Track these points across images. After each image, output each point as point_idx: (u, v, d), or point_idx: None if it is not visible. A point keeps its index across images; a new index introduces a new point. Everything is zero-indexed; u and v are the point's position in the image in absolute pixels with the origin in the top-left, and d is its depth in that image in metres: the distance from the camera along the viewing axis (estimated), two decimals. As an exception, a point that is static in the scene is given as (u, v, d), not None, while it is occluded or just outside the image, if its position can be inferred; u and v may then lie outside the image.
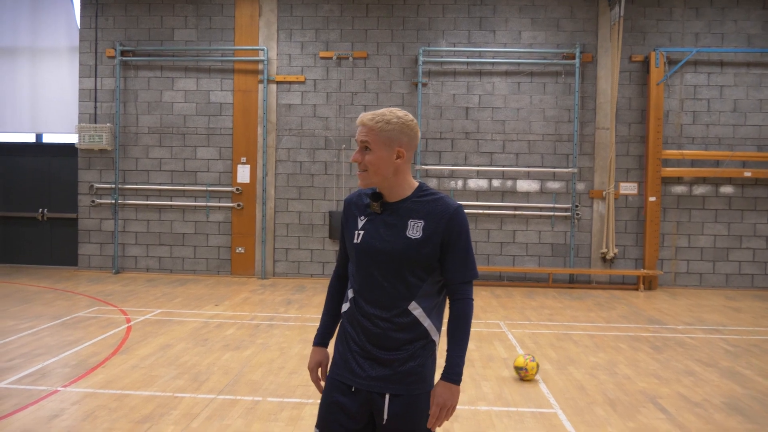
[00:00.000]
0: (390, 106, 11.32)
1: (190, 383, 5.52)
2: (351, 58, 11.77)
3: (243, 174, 11.88)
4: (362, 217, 2.47)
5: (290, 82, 11.89)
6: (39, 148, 12.67)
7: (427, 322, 2.39)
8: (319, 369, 2.65)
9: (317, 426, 2.51)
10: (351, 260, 2.51)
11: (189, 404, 5.00)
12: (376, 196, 2.45)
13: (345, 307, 2.52)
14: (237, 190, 11.88)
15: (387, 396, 2.36)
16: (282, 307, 9.06)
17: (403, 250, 2.35)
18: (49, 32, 12.35)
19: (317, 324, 7.85)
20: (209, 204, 11.95)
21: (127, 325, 7.69)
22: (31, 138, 12.70)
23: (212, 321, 8.05)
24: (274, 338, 7.19)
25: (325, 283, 11.19)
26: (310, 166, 11.86)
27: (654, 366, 6.36)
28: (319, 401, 4.96)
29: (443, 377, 2.38)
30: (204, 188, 11.94)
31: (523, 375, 5.67)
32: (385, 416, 2.36)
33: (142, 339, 7.03)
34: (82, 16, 12.13)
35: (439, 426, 2.41)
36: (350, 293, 2.50)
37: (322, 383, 2.62)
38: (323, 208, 11.85)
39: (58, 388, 5.32)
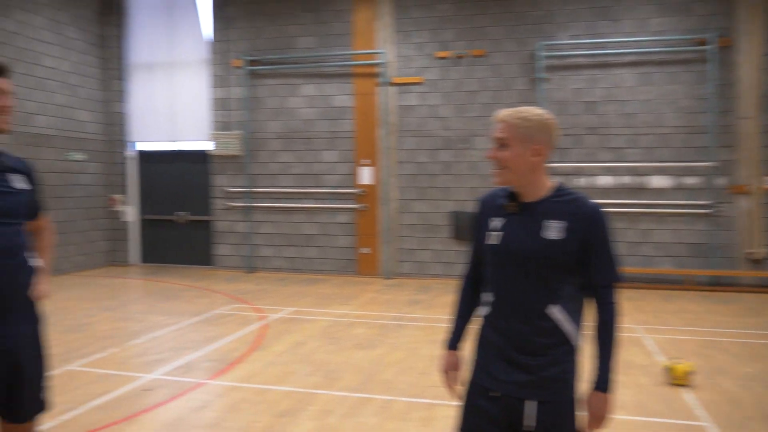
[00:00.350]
0: (509, 104, 11.23)
1: (324, 380, 5.72)
2: (468, 57, 11.72)
3: (365, 176, 12.14)
4: (496, 218, 2.44)
5: (408, 84, 12.00)
6: (176, 155, 13.55)
7: (568, 326, 2.33)
8: (452, 372, 2.64)
9: (460, 430, 2.49)
10: (486, 262, 2.48)
11: (324, 400, 5.18)
12: (512, 195, 2.42)
13: (483, 310, 2.50)
14: (360, 191, 12.15)
15: (529, 402, 2.32)
16: (408, 307, 9.18)
17: (540, 252, 2.31)
18: (183, 47, 13.17)
19: (444, 325, 7.93)
20: (334, 206, 12.30)
21: (262, 323, 8.07)
22: (169, 146, 13.60)
23: (342, 320, 8.29)
24: (402, 338, 7.31)
25: (450, 283, 11.23)
26: (431, 167, 11.93)
27: (814, 377, 5.87)
28: (450, 403, 5.00)
29: (594, 386, 2.33)
30: (328, 190, 12.31)
31: (673, 379, 5.52)
32: (533, 423, 2.31)
33: (276, 336, 7.36)
34: (212, 30, 12.85)
35: None
36: (487, 296, 2.47)
37: (456, 387, 2.61)
38: (445, 209, 11.88)
39: (204, 381, 5.68)
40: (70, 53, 12.42)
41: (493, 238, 2.41)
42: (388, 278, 11.92)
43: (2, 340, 2.60)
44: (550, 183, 2.42)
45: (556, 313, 2.32)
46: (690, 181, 10.98)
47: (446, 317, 8.45)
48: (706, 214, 10.89)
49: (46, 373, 2.89)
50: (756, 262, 10.70)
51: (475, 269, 2.62)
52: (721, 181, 10.86)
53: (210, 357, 6.49)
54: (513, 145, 2.35)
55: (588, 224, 2.32)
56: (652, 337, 7.41)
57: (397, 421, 4.74)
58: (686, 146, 10.97)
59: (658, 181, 11.09)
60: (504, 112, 2.39)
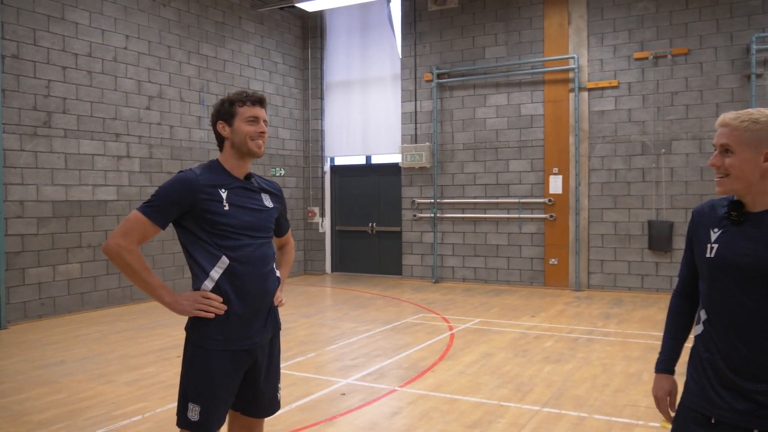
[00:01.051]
0: (716, 104, 10.34)
1: (514, 393, 5.62)
2: (669, 56, 10.98)
3: (555, 184, 11.81)
4: (716, 230, 2.26)
5: (602, 88, 11.51)
6: (368, 168, 14.14)
7: None
8: (666, 397, 2.45)
9: None
10: (702, 277, 2.30)
11: (515, 414, 5.09)
12: (736, 204, 2.23)
13: (698, 329, 2.32)
14: (549, 201, 11.84)
15: None
16: (600, 321, 8.77)
17: (763, 263, 2.09)
18: (376, 64, 13.75)
19: (639, 341, 7.48)
20: (522, 216, 12.11)
21: (450, 333, 8.13)
22: (361, 160, 14.23)
23: (530, 332, 8.12)
24: (595, 353, 6.99)
25: (645, 297, 10.57)
26: (625, 174, 11.32)
27: None
28: (650, 424, 4.68)
29: None
30: (516, 200, 12.14)
31: None
32: None
33: (464, 346, 7.37)
34: (402, 46, 13.27)
35: None
36: (702, 314, 2.29)
37: (671, 413, 2.43)
38: (641, 218, 11.20)
39: (396, 388, 5.83)
40: (275, 76, 13.49)
41: (711, 251, 2.24)
42: (578, 290, 11.47)
43: (248, 341, 2.88)
44: None
45: None
46: None
47: (641, 332, 7.95)
48: None
49: (280, 376, 3.17)
50: None
51: (688, 286, 2.47)
52: None
53: (400, 365, 6.66)
54: (738, 150, 2.17)
55: None
56: None
57: (592, 441, 4.54)
58: None
59: None
60: (728, 116, 2.23)
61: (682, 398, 2.36)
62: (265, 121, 2.99)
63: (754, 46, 10.25)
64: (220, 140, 2.99)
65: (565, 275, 11.76)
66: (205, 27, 11.80)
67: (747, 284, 2.14)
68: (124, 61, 10.34)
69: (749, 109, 2.20)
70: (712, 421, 2.21)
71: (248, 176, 3.03)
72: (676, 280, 9.46)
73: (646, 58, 11.15)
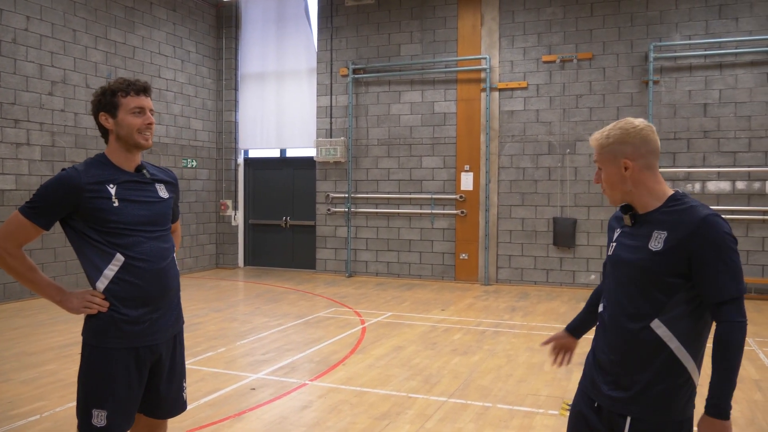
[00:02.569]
0: (617, 108, 10.87)
1: (422, 385, 5.76)
2: (575, 60, 11.46)
3: (466, 181, 12.11)
4: (618, 230, 2.45)
5: (512, 89, 11.88)
6: (283, 161, 14.04)
7: (674, 344, 2.21)
8: (555, 345, 2.79)
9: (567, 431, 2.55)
10: (603, 272, 2.54)
11: (422, 405, 5.22)
12: (626, 208, 2.41)
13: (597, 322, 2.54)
14: (460, 197, 12.13)
15: (628, 419, 2.26)
16: (507, 314, 9.08)
17: (642, 263, 2.25)
18: (291, 57, 13.65)
19: (543, 332, 7.81)
20: (434, 211, 12.35)
21: (361, 326, 8.22)
22: (276, 153, 14.11)
23: (439, 325, 8.32)
24: (500, 345, 7.25)
25: (549, 290, 11.03)
26: (533, 172, 11.75)
27: None
28: (549, 412, 4.92)
29: (706, 411, 2.20)
30: (429, 196, 12.37)
31: None
32: None
33: (375, 340, 7.48)
34: (318, 40, 13.24)
35: None
36: (600, 306, 2.49)
37: (559, 360, 2.80)
38: (547, 215, 11.66)
39: (306, 382, 5.86)
40: (187, 65, 13.15)
41: (611, 249, 2.44)
42: (487, 284, 11.83)
43: (149, 338, 2.80)
44: (664, 192, 2.32)
45: (659, 327, 2.22)
46: (816, 188, 10.25)
47: (545, 324, 8.30)
48: (834, 224, 10.15)
49: (185, 374, 3.09)
50: None
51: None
52: None
53: (312, 358, 6.69)
54: (604, 166, 2.38)
55: (691, 234, 2.17)
56: (764, 350, 6.99)
57: (495, 428, 4.72)
58: (812, 151, 10.25)
59: (779, 188, 10.43)
60: (593, 136, 2.43)
61: (580, 381, 2.54)
62: (151, 110, 2.85)
63: (651, 54, 10.85)
64: (104, 132, 2.84)
65: (474, 270, 12.10)
66: (113, 11, 11.37)
67: (627, 280, 2.32)
68: (24, 44, 9.83)
69: (615, 122, 2.38)
70: (596, 405, 2.39)
71: (139, 168, 2.87)
72: (579, 274, 9.88)
73: (554, 62, 11.59)
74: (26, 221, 2.68)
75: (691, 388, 2.27)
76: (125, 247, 2.73)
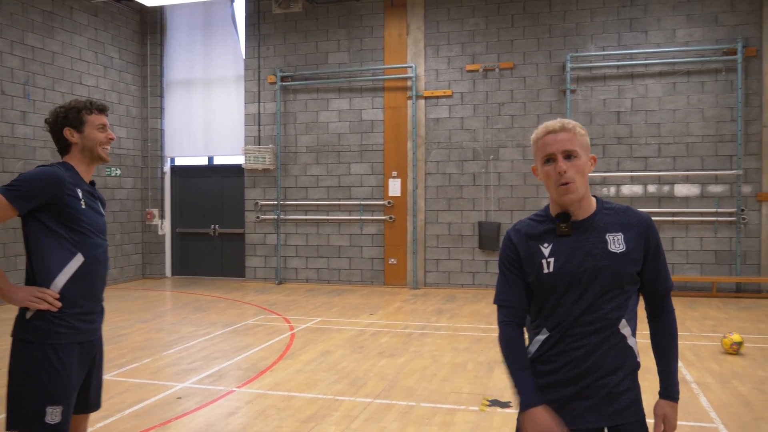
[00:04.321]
0: (538, 115, 11.29)
1: (349, 387, 5.88)
2: (497, 70, 11.85)
3: (394, 187, 12.32)
4: (546, 245, 2.25)
5: (438, 97, 12.18)
6: (211, 169, 13.92)
7: (632, 341, 2.24)
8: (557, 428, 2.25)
9: None
10: (543, 294, 2.25)
11: (348, 407, 5.34)
12: (565, 216, 2.24)
13: (539, 344, 2.29)
14: (389, 203, 12.33)
15: (606, 430, 2.21)
16: (434, 317, 9.31)
17: (610, 267, 2.17)
18: (218, 64, 13.56)
19: (467, 333, 8.04)
20: (363, 217, 12.50)
21: (290, 333, 8.27)
22: (203, 161, 13.97)
23: (368, 329, 8.46)
24: (426, 346, 7.44)
25: (475, 292, 11.32)
26: (458, 178, 12.06)
27: (833, 383, 5.88)
28: (470, 408, 5.11)
29: (665, 396, 2.24)
30: (358, 202, 12.52)
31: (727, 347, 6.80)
32: None
33: (304, 345, 7.55)
34: (246, 47, 13.21)
35: None
36: (541, 334, 2.28)
37: None
38: (473, 219, 11.98)
39: (234, 389, 5.88)
40: (110, 71, 12.88)
41: (548, 266, 2.22)
42: (415, 288, 12.06)
43: (90, 334, 3.02)
44: (592, 198, 2.30)
45: (624, 328, 2.20)
46: (715, 189, 10.94)
47: (469, 326, 8.55)
48: (731, 222, 10.85)
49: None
50: (781, 270, 10.65)
51: (520, 311, 2.32)
52: (746, 189, 10.82)
53: (240, 366, 6.70)
54: (581, 154, 2.22)
55: (646, 233, 2.21)
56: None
57: (418, 426, 4.87)
58: (712, 155, 10.95)
59: (684, 190, 11.08)
60: (564, 123, 2.24)
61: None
62: (109, 127, 3.20)
63: (569, 65, 11.34)
64: (65, 145, 3.09)
65: (403, 274, 12.31)
66: (30, 15, 11.05)
67: (591, 288, 2.18)
68: (-66, 49, 9.46)
69: (562, 119, 2.30)
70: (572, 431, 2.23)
71: (92, 182, 3.18)
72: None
73: (477, 71, 11.95)
74: (5, 202, 2.81)
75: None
76: (86, 248, 2.96)
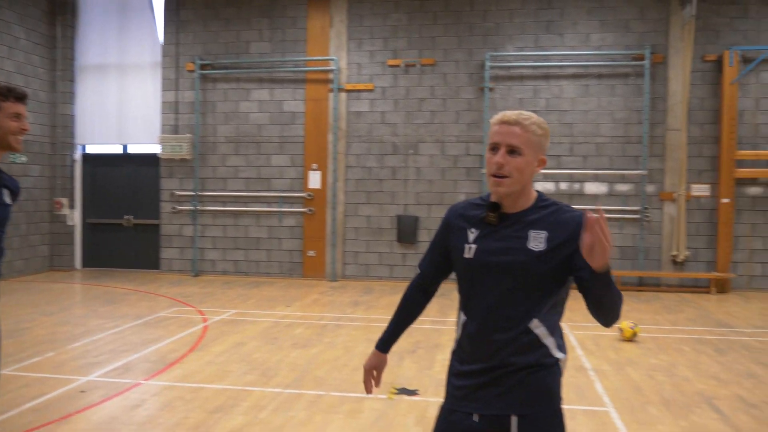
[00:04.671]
0: (456, 112, 11.51)
1: (259, 378, 5.85)
2: (418, 66, 11.99)
3: (314, 180, 12.29)
4: (473, 230, 2.27)
5: (359, 91, 12.22)
6: (125, 158, 13.48)
7: (549, 341, 2.23)
8: (374, 372, 2.55)
9: None
10: (461, 278, 2.31)
11: (258, 397, 5.31)
12: (495, 206, 2.25)
13: (458, 333, 2.35)
14: (308, 195, 12.29)
15: (514, 418, 2.19)
16: (350, 308, 9.36)
17: (523, 264, 2.16)
18: (134, 49, 13.13)
19: (382, 324, 8.08)
20: (282, 209, 12.42)
21: (203, 325, 8.14)
22: (117, 149, 13.52)
23: (283, 321, 8.42)
24: (340, 337, 7.48)
25: (393, 285, 11.44)
26: (378, 172, 12.15)
27: (715, 368, 6.29)
28: (378, 397, 5.18)
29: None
30: (277, 194, 12.42)
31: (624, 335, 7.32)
32: None
33: (217, 337, 7.45)
34: (164, 33, 12.85)
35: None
36: (462, 316, 2.32)
37: (374, 387, 2.57)
38: (392, 212, 12.10)
39: (140, 381, 5.75)
40: (16, 53, 12.27)
41: (469, 251, 2.25)
42: (334, 280, 12.08)
43: None
44: (533, 193, 2.28)
45: (537, 327, 2.20)
46: (622, 187, 11.47)
47: (385, 317, 8.63)
48: (635, 220, 11.40)
49: None
50: (678, 264, 11.28)
51: (429, 280, 2.50)
52: (650, 188, 11.39)
53: (148, 358, 6.55)
54: (526, 152, 2.17)
55: (574, 231, 2.15)
56: (574, 333, 7.79)
57: (325, 414, 4.91)
58: (620, 155, 11.47)
59: (593, 188, 11.56)
60: (518, 116, 2.19)
61: (443, 405, 2.38)
62: (26, 117, 3.08)
63: (488, 63, 11.60)
64: None
65: (322, 266, 12.30)
66: (-72, -10, 10.40)
67: (505, 283, 2.19)
68: None
69: (528, 114, 2.22)
70: (477, 418, 2.24)
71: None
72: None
73: (399, 66, 12.06)
74: None
75: (561, 375, 2.29)
76: None
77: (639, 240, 11.38)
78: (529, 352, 2.20)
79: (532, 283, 2.17)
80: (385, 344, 2.56)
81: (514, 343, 2.18)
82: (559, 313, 2.30)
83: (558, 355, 2.26)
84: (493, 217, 2.22)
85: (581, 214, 2.10)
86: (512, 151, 2.16)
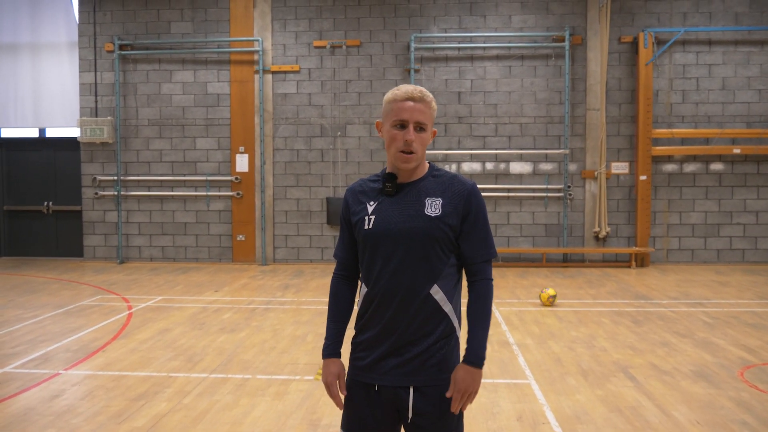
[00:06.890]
0: (383, 93, 11.54)
1: (184, 364, 5.79)
2: (344, 47, 11.95)
3: (242, 163, 12.13)
4: (372, 202, 2.35)
5: (285, 72, 12.09)
6: (42, 142, 12.97)
7: (448, 307, 2.29)
8: (337, 381, 2.41)
9: (342, 428, 2.41)
10: (362, 250, 2.36)
11: (182, 383, 5.27)
12: (392, 176, 2.35)
13: (360, 305, 2.41)
14: (236, 179, 12.13)
15: (411, 389, 2.26)
16: (279, 292, 9.34)
17: (422, 229, 2.24)
18: (48, 28, 12.59)
19: (311, 306, 8.16)
20: (209, 193, 12.22)
21: (128, 312, 7.98)
22: (34, 133, 12.99)
23: (211, 306, 8.34)
24: (268, 321, 7.47)
25: (324, 267, 11.47)
26: (306, 154, 12.10)
27: (631, 338, 6.59)
28: (304, 378, 5.22)
29: (465, 360, 2.27)
30: (204, 178, 12.21)
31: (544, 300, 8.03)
32: (410, 411, 2.27)
33: (142, 324, 7.32)
34: (80, 12, 12.36)
35: (463, 410, 2.31)
36: (363, 287, 2.37)
37: (342, 396, 2.42)
38: (321, 195, 12.09)
39: (60, 371, 5.61)
40: None
41: (368, 222, 2.31)
42: (264, 264, 12.01)
43: None
44: (426, 164, 2.40)
45: (437, 293, 2.27)
46: (546, 167, 11.80)
47: (314, 299, 8.68)
48: (559, 198, 11.77)
49: None
50: (600, 240, 11.73)
51: (348, 266, 2.50)
52: (572, 167, 11.76)
53: (69, 348, 6.39)
54: (429, 128, 2.32)
55: (465, 201, 2.29)
56: (500, 309, 8.03)
57: (251, 397, 4.92)
58: (543, 135, 11.77)
59: (518, 167, 11.84)
60: (423, 92, 2.30)
61: (347, 373, 2.43)
62: None
63: (413, 45, 11.67)
64: None
65: (252, 250, 12.20)
66: None
67: (404, 249, 2.26)
68: None
69: (414, 86, 2.32)
70: (377, 388, 2.31)
71: None
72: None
73: (324, 47, 11.99)
74: None
75: (458, 345, 2.37)
76: None
77: (563, 218, 11.75)
78: (430, 322, 2.27)
79: (429, 247, 2.25)
80: (333, 349, 2.46)
81: (414, 310, 2.25)
82: (457, 281, 2.36)
83: (456, 323, 2.34)
84: (390, 188, 2.32)
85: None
86: (419, 127, 2.29)
